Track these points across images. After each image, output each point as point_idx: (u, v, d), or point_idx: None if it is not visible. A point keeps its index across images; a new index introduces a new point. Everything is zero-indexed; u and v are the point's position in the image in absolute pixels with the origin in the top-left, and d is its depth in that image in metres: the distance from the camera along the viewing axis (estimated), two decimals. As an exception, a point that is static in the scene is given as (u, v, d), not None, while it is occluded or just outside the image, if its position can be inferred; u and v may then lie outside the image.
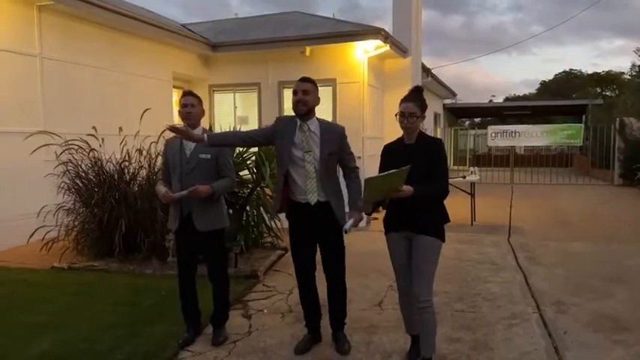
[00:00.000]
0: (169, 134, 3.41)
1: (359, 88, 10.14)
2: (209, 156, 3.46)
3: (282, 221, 3.50)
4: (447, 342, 3.56)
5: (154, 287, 4.73)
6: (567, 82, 39.66)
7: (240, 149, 5.71)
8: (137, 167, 5.91)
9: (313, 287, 3.50)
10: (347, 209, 3.38)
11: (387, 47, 9.88)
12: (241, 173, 5.65)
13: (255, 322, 3.99)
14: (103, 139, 5.91)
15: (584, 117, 22.14)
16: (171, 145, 3.58)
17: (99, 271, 5.34)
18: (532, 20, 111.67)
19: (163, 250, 5.51)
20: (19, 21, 6.78)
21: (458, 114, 27.52)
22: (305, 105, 3.21)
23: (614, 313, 4.12)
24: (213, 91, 11.29)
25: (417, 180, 2.90)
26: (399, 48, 10.84)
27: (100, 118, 7.16)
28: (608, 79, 35.99)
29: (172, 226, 3.57)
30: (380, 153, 3.22)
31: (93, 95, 7.91)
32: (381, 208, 3.33)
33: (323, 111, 9.73)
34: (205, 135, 3.24)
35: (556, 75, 42.94)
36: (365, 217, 3.45)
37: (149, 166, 5.89)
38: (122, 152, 5.90)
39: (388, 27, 10.78)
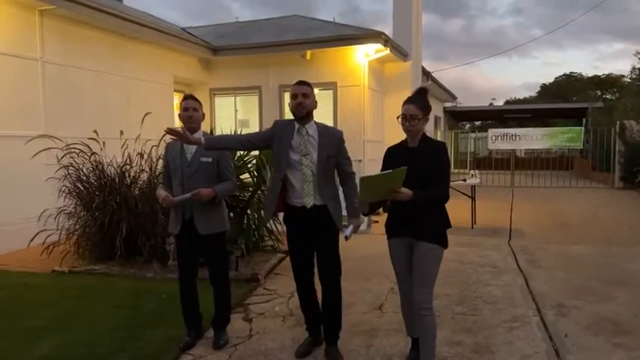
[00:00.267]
0: (170, 138, 3.42)
1: (359, 92, 10.16)
2: (210, 159, 3.46)
3: (283, 225, 3.50)
4: (448, 345, 3.56)
5: (154, 291, 4.73)
6: (567, 85, 39.74)
7: (241, 152, 5.72)
8: (138, 171, 5.92)
9: (312, 291, 3.48)
10: (345, 213, 3.36)
11: (388, 51, 9.91)
12: (242, 177, 5.66)
13: (256, 326, 3.99)
14: (104, 143, 5.93)
15: (584, 120, 22.15)
16: (171, 149, 3.59)
17: (100, 274, 5.34)
18: (532, 24, 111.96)
19: (164, 254, 5.52)
20: (21, 25, 6.81)
21: (458, 117, 27.54)
22: (305, 108, 3.22)
23: (615, 316, 4.12)
24: (214, 94, 11.32)
25: (419, 184, 2.87)
26: (400, 52, 10.86)
27: (101, 121, 7.19)
28: (608, 82, 36.07)
29: (173, 230, 3.56)
30: (380, 156, 3.20)
31: (94, 99, 7.93)
32: (381, 210, 3.32)
33: (323, 114, 9.82)
34: (202, 138, 3.23)
35: (556, 78, 43.09)
36: (365, 220, 3.44)
37: (150, 169, 5.90)
38: (123, 156, 5.91)
39: (389, 31, 10.82)
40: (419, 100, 3.02)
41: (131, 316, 4.13)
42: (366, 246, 6.37)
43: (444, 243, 3.03)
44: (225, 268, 3.72)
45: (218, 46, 10.58)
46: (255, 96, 10.98)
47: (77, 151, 5.82)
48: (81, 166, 5.83)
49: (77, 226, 5.74)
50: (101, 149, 5.89)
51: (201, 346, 3.59)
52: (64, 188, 5.77)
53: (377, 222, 7.54)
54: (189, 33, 10.78)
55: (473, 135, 22.84)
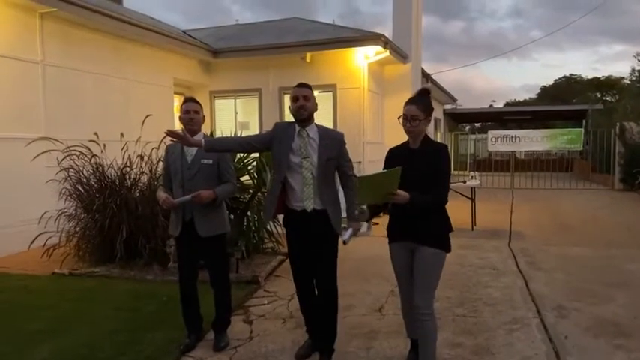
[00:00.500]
0: (170, 140, 3.43)
1: (359, 94, 10.18)
2: (211, 161, 3.47)
3: (283, 227, 3.49)
4: (449, 347, 3.56)
5: (155, 293, 4.73)
6: (567, 87, 39.80)
7: (242, 155, 5.73)
8: (138, 173, 5.93)
9: (312, 293, 3.45)
10: (344, 215, 3.35)
11: (387, 53, 9.94)
12: (242, 179, 5.67)
13: (256, 328, 3.99)
14: (104, 145, 5.94)
15: (584, 122, 22.13)
16: (172, 151, 3.59)
17: (100, 276, 5.35)
18: (532, 26, 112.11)
19: (164, 256, 5.52)
20: (22, 28, 6.82)
21: (458, 119, 27.55)
22: (306, 110, 3.20)
23: (615, 317, 4.12)
24: (214, 96, 11.34)
25: (420, 186, 2.83)
26: (399, 54, 10.88)
27: (101, 124, 7.20)
28: (607, 84, 36.14)
29: (174, 232, 3.57)
30: (380, 158, 3.19)
31: (94, 101, 7.95)
32: (382, 214, 3.31)
33: (323, 116, 9.84)
34: (203, 140, 3.22)
35: (556, 80, 43.15)
36: (365, 224, 3.42)
37: (150, 171, 5.91)
38: (123, 158, 5.92)
39: (388, 33, 10.85)
40: (420, 101, 2.98)
41: (131, 319, 4.13)
42: (366, 248, 6.38)
43: (446, 247, 2.98)
44: (226, 270, 3.73)
45: (218, 48, 10.60)
46: (255, 98, 11.00)
47: (78, 153, 5.83)
48: (81, 169, 5.84)
49: (77, 229, 5.75)
50: (101, 151, 5.90)
51: (201, 348, 3.60)
52: (64, 190, 5.78)
53: (377, 224, 7.54)
54: (190, 35, 10.80)
55: (473, 137, 22.81)
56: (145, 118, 6.11)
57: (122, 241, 5.39)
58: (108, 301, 4.58)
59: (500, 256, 6.39)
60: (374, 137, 10.84)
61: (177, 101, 10.09)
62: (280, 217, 3.45)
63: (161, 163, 4.85)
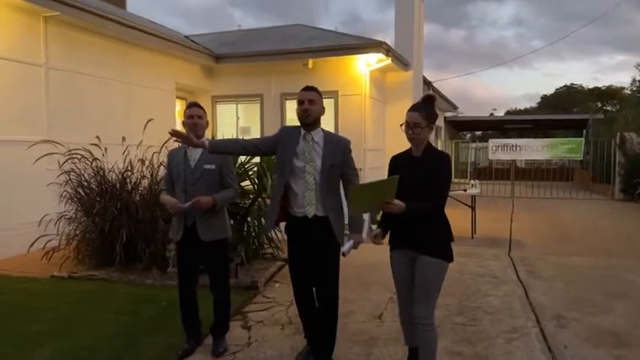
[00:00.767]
0: (172, 144, 3.43)
1: (361, 101, 10.21)
2: (214, 166, 3.47)
3: (283, 232, 3.48)
4: (448, 355, 3.55)
5: (154, 297, 4.73)
6: (568, 96, 39.89)
7: (243, 159, 5.74)
8: (139, 177, 5.93)
9: (311, 301, 3.40)
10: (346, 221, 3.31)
11: (389, 60, 9.97)
12: (243, 184, 5.67)
13: (254, 334, 3.98)
14: (106, 149, 5.95)
15: (584, 131, 22.19)
16: (174, 156, 3.60)
17: (99, 280, 5.34)
18: (533, 35, 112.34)
19: (164, 260, 5.51)
20: (25, 31, 6.86)
21: (459, 127, 27.60)
22: (311, 114, 3.15)
23: (615, 327, 4.11)
24: (216, 101, 11.37)
25: (421, 194, 2.80)
26: (401, 61, 10.93)
27: (103, 127, 7.21)
28: (608, 93, 36.24)
29: (175, 237, 3.56)
30: (380, 165, 3.19)
31: (97, 105, 7.97)
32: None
33: (325, 123, 9.69)
34: (207, 141, 3.17)
35: (557, 89, 43.27)
36: (364, 237, 3.34)
37: (151, 175, 5.92)
38: (125, 162, 5.93)
39: (390, 40, 10.90)
40: (423, 108, 2.94)
41: (131, 323, 4.13)
42: (366, 255, 6.33)
43: (448, 257, 2.92)
44: (226, 275, 3.72)
45: (220, 53, 10.64)
46: (257, 104, 11.03)
47: (79, 156, 5.84)
48: (82, 172, 5.85)
49: (77, 232, 5.75)
50: (103, 155, 5.91)
51: (200, 353, 3.59)
52: (65, 193, 5.78)
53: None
54: (192, 40, 10.84)
55: (473, 145, 22.82)
56: (147, 122, 6.13)
57: (122, 245, 5.39)
58: (107, 305, 4.57)
59: (500, 264, 6.38)
60: (375, 144, 10.85)
61: (179, 106, 10.14)
62: (282, 224, 3.40)
63: (162, 168, 4.86)
